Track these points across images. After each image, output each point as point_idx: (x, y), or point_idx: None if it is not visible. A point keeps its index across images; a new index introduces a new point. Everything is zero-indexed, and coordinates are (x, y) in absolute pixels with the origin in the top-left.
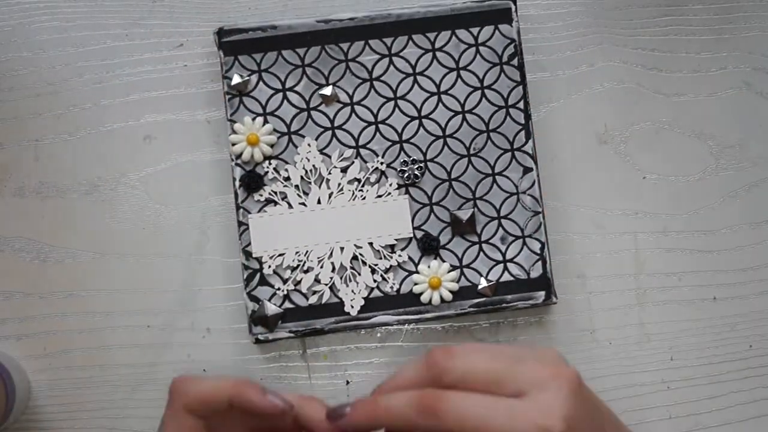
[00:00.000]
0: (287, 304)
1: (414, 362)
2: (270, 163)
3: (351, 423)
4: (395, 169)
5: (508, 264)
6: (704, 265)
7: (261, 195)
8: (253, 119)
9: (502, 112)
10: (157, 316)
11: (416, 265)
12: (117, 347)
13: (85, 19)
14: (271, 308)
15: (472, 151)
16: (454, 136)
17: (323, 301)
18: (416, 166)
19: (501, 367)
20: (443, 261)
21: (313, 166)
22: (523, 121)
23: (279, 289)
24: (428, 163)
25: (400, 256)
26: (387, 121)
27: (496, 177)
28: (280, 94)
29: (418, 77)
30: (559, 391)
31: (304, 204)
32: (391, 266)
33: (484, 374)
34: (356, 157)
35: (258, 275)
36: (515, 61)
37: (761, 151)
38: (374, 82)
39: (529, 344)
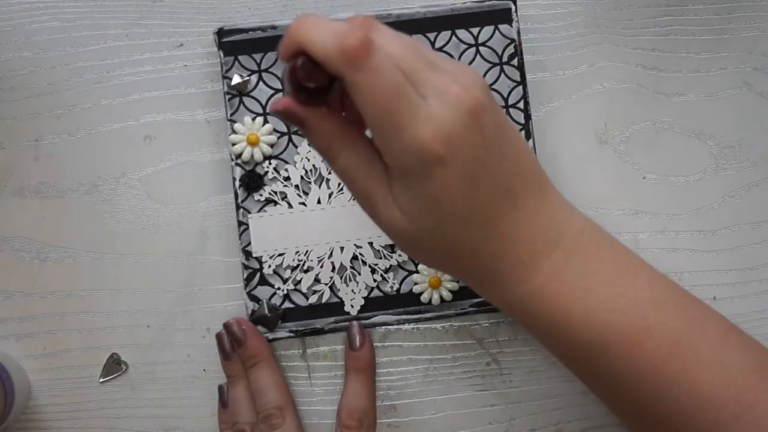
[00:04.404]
0: (287, 304)
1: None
2: (270, 163)
3: (281, 49)
4: None
5: None
6: (704, 265)
7: (261, 195)
8: (253, 119)
9: None
10: (157, 316)
11: (416, 264)
12: (117, 347)
13: (86, 19)
14: (271, 308)
15: None
16: None
17: (323, 301)
18: None
19: (416, 65)
20: None
21: (313, 165)
22: (523, 121)
23: (279, 288)
24: None
25: (399, 255)
26: None
27: None
28: (280, 94)
29: None
30: (455, 110)
31: (304, 204)
32: (390, 266)
33: (398, 62)
34: None
35: (258, 275)
36: (515, 61)
37: (761, 151)
38: None
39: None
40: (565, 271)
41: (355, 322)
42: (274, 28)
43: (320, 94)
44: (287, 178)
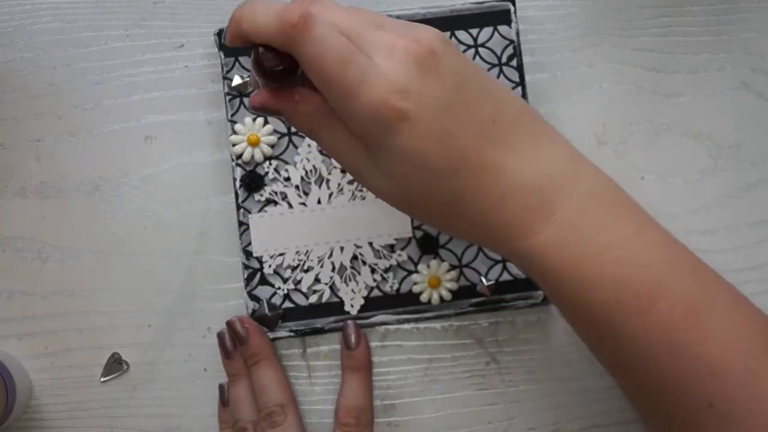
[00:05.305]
0: (287, 304)
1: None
2: (270, 164)
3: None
4: None
5: (507, 263)
6: None
7: (261, 195)
8: (254, 120)
9: None
10: (158, 316)
11: (416, 264)
12: (118, 346)
13: (87, 20)
14: (272, 307)
15: None
16: None
17: (323, 301)
18: None
19: (360, 28)
20: (442, 260)
21: (314, 166)
22: None
23: (279, 288)
24: None
25: (399, 255)
26: None
27: None
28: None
29: None
30: (404, 63)
31: (304, 204)
32: (390, 266)
33: (341, 28)
34: None
35: (258, 275)
36: (514, 62)
37: (759, 151)
38: None
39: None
40: (579, 223)
41: (350, 322)
42: None
43: (288, 75)
44: (287, 179)
